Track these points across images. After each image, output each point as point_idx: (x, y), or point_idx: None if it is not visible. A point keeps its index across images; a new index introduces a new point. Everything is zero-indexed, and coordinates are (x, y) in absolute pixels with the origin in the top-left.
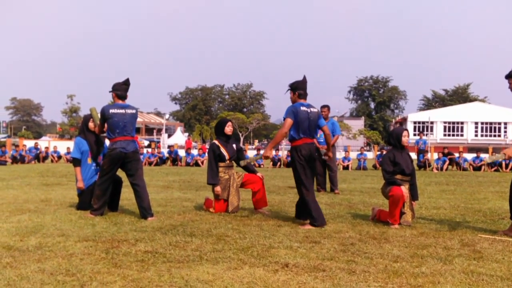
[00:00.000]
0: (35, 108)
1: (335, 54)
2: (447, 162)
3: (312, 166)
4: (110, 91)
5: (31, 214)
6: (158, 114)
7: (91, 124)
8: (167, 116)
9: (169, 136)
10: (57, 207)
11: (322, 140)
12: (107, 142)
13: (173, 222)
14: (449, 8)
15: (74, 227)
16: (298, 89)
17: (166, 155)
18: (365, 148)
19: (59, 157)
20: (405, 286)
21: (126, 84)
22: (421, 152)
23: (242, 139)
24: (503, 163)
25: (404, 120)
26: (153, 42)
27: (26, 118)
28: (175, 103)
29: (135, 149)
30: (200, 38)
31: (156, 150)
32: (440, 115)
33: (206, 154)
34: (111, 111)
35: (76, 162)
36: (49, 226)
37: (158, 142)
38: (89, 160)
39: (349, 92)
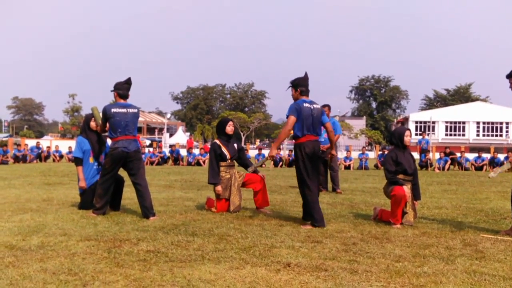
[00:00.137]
0: (37, 107)
1: (337, 54)
2: (449, 162)
3: (315, 164)
4: (111, 91)
5: (33, 213)
6: (160, 113)
7: (92, 124)
8: (168, 115)
9: (171, 135)
10: (59, 207)
11: (323, 140)
12: (109, 141)
13: (175, 221)
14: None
15: (76, 227)
16: (300, 85)
17: (168, 154)
18: (366, 148)
19: (61, 156)
20: (407, 286)
21: (127, 83)
22: (423, 151)
23: (243, 138)
24: (504, 162)
25: (406, 119)
26: (155, 42)
27: (28, 117)
28: (177, 103)
29: (136, 148)
30: (201, 38)
31: (157, 149)
32: (441, 115)
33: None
34: (113, 110)
35: (78, 161)
36: (51, 225)
37: (160, 141)
38: (91, 160)
39: (351, 91)
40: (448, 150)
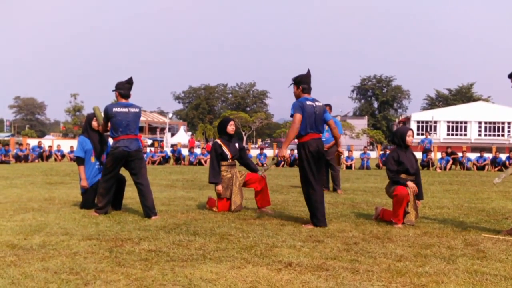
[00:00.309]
0: (39, 107)
1: (339, 54)
2: (451, 161)
3: (320, 163)
4: (113, 90)
5: (35, 212)
6: (161, 113)
7: (94, 123)
8: (170, 115)
9: (172, 135)
10: (60, 206)
11: (324, 139)
12: (110, 141)
13: (176, 221)
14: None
15: (78, 226)
16: (302, 83)
17: (169, 154)
18: (368, 148)
19: (63, 155)
20: (409, 286)
21: (129, 83)
22: (426, 151)
23: (245, 138)
24: (507, 162)
25: (408, 119)
26: (157, 41)
27: (30, 117)
28: (178, 102)
29: (138, 147)
30: (203, 37)
31: (159, 149)
32: (443, 115)
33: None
34: (115, 110)
35: (79, 161)
36: (53, 224)
37: (161, 141)
38: (93, 159)
39: (352, 91)
40: (449, 150)
